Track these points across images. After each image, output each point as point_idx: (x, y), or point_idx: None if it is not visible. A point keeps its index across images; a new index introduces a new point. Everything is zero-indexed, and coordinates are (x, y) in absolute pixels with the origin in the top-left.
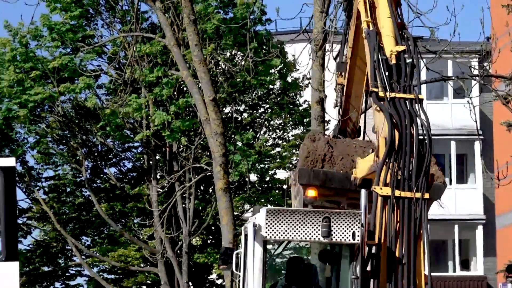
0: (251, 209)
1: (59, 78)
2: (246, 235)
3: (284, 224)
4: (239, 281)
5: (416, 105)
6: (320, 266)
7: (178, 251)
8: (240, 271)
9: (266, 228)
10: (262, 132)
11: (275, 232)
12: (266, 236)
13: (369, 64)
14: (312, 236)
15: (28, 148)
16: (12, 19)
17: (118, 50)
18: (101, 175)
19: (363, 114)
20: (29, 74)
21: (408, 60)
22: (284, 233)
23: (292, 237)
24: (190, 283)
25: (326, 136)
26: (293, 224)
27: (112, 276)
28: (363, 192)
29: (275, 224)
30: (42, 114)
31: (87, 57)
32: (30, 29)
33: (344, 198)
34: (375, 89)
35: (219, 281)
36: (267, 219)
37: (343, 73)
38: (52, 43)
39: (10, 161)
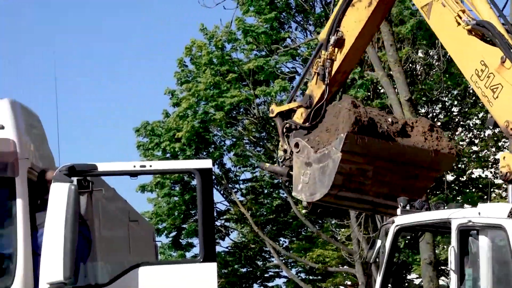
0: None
1: (254, 81)
2: (463, 231)
3: None
4: (449, 278)
5: None
6: None
7: None
8: (454, 268)
9: None
10: (458, 131)
11: None
12: None
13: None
14: None
15: (225, 150)
16: (207, 22)
17: (312, 52)
18: None
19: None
20: (225, 76)
21: None
22: None
23: None
24: (389, 284)
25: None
26: None
27: (310, 277)
28: None
29: None
30: (238, 117)
31: (281, 60)
32: (225, 32)
33: (371, 167)
34: None
35: (417, 281)
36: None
37: (336, 49)
38: (247, 46)
39: (207, 163)
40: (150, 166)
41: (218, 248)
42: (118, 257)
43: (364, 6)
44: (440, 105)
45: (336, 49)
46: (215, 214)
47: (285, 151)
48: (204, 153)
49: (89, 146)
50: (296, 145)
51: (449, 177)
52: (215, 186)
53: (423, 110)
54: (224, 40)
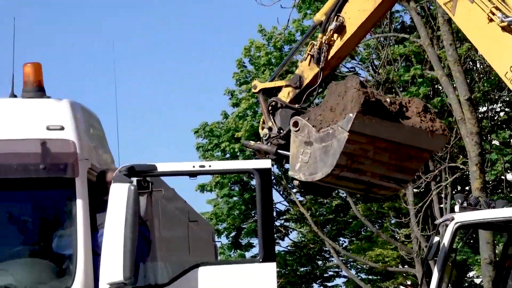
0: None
1: None
2: None
3: None
4: None
5: None
6: None
7: None
8: None
9: None
10: None
11: None
12: None
13: None
14: None
15: None
16: (264, 22)
17: (371, 52)
18: None
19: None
20: (284, 77)
21: None
22: None
23: None
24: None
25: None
26: None
27: (370, 277)
28: None
29: None
30: None
31: None
32: (284, 35)
33: (372, 147)
34: None
35: (478, 280)
36: None
37: (335, 35)
38: (305, 48)
39: (266, 163)
40: (209, 166)
41: (278, 248)
42: (178, 257)
43: None
44: (500, 104)
45: (335, 35)
46: (274, 214)
47: (270, 129)
48: None
49: (148, 147)
50: (295, 124)
51: (510, 176)
52: (275, 186)
53: (483, 109)
54: (282, 41)
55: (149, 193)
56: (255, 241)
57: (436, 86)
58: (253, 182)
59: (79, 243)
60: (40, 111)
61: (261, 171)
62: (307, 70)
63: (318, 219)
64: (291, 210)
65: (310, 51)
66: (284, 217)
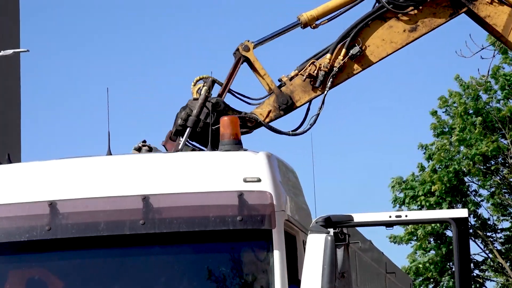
0: None
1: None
2: None
3: None
4: None
5: None
6: None
7: None
8: None
9: None
10: None
11: None
12: None
13: None
14: None
15: (482, 200)
16: (462, 73)
17: None
18: None
19: None
20: (476, 128)
21: None
22: None
23: None
24: None
25: None
26: None
27: None
28: None
29: None
30: (491, 167)
31: None
32: (479, 82)
33: None
34: None
35: None
36: None
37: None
38: (501, 94)
39: (462, 212)
40: (406, 216)
41: None
42: None
43: (402, 29)
44: None
45: (350, 61)
46: (471, 264)
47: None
48: (459, 205)
49: (342, 199)
50: None
51: None
52: (472, 238)
53: None
54: (479, 91)
55: (346, 245)
56: None
57: None
58: (449, 233)
59: None
60: (237, 164)
61: (458, 221)
62: (300, 92)
63: None
64: (490, 260)
65: (312, 71)
66: (482, 267)
